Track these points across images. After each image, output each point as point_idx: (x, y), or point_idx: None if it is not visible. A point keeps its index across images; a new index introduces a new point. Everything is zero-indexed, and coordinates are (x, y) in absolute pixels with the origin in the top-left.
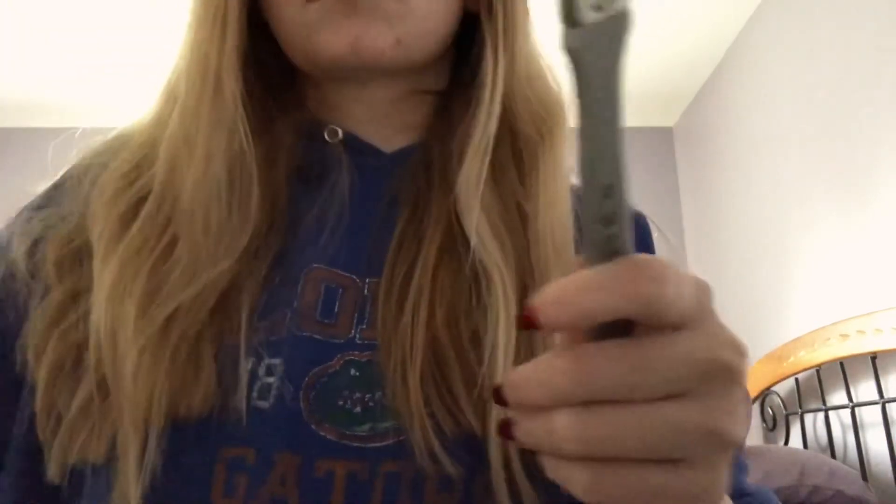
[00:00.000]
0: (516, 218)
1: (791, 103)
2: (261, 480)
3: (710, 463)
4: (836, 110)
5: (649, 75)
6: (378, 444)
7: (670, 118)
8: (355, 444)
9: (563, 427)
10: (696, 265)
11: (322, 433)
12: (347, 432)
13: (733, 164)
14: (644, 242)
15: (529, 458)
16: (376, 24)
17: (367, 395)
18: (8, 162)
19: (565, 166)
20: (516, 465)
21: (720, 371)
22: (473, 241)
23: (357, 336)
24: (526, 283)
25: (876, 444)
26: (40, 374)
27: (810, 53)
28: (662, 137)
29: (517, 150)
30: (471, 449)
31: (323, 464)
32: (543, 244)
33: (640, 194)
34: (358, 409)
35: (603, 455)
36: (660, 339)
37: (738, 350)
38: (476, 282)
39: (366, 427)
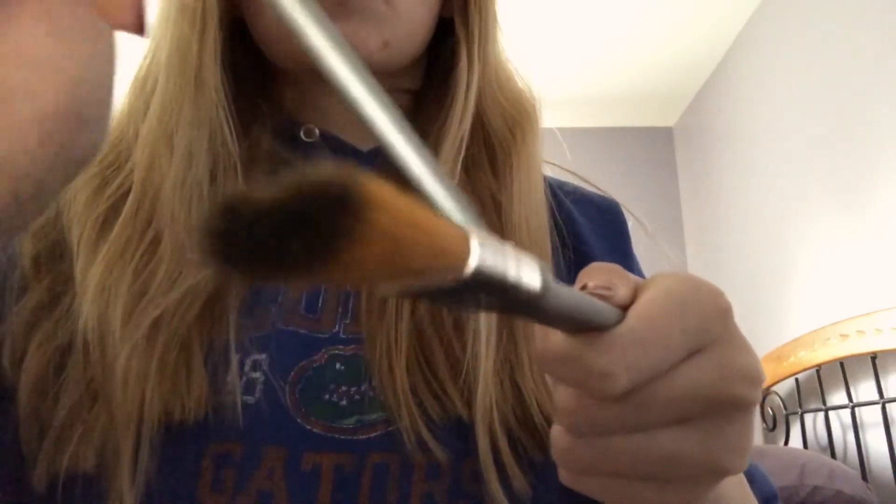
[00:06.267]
0: (491, 210)
1: (791, 103)
2: (248, 475)
3: (699, 485)
4: (835, 110)
5: (649, 75)
6: (365, 436)
7: (670, 118)
8: (342, 437)
9: (556, 449)
10: (697, 265)
11: (308, 426)
12: (334, 425)
13: (733, 164)
14: (617, 230)
15: (517, 442)
16: (366, 26)
17: (353, 388)
18: None
19: (538, 160)
20: (504, 449)
21: (726, 404)
22: None
23: (341, 330)
24: None
25: (876, 444)
26: (22, 382)
27: (810, 53)
28: (662, 137)
29: (490, 147)
30: (459, 434)
31: (310, 457)
32: (518, 233)
33: (640, 194)
34: (344, 402)
35: (596, 474)
36: (661, 378)
37: (750, 379)
38: None
39: (352, 420)
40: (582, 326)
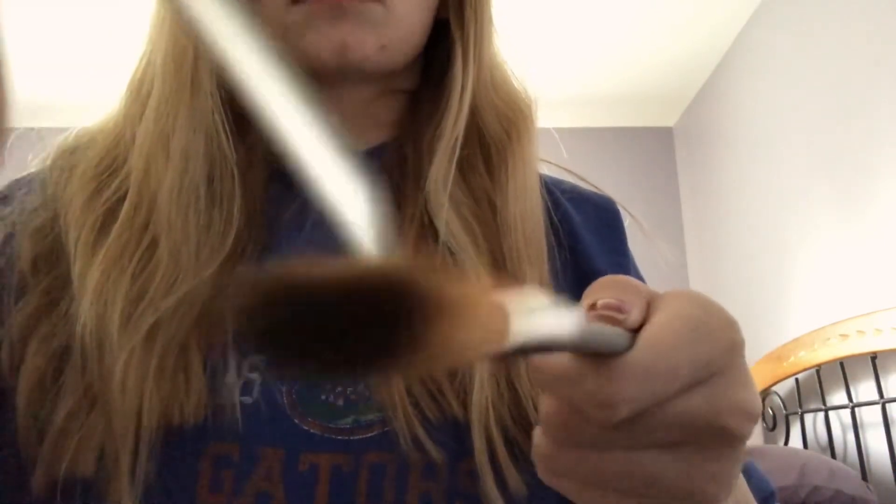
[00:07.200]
0: (487, 210)
1: (791, 103)
2: (246, 475)
3: None
4: (835, 110)
5: (649, 76)
6: (361, 437)
7: (670, 118)
8: (339, 437)
9: (536, 451)
10: (696, 265)
11: (305, 427)
12: (331, 425)
13: (733, 164)
14: (613, 228)
15: (513, 442)
16: (362, 29)
17: (350, 389)
18: (8, 162)
19: (533, 161)
20: (500, 450)
21: (716, 436)
22: (442, 235)
23: None
24: (499, 270)
25: (876, 444)
26: (20, 386)
27: (810, 54)
28: (662, 137)
29: (485, 148)
30: (455, 435)
31: (307, 457)
32: (514, 233)
33: (640, 194)
34: (340, 402)
35: (573, 480)
36: (657, 405)
37: (746, 414)
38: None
39: (349, 420)
40: (589, 352)
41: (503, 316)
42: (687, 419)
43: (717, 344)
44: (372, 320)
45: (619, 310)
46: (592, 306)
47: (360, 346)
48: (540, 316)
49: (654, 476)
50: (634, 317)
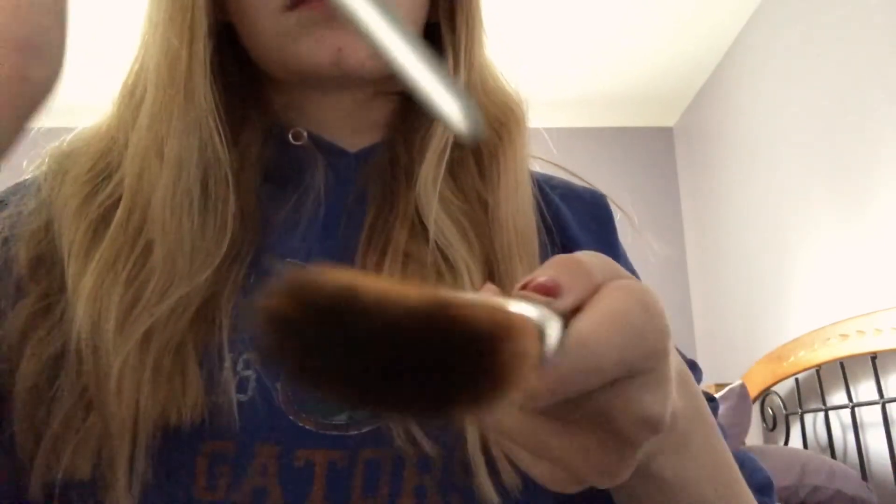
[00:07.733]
0: (479, 209)
1: (791, 103)
2: (242, 472)
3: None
4: (835, 110)
5: (649, 75)
6: (356, 433)
7: (670, 118)
8: (334, 433)
9: None
10: (696, 265)
11: (300, 424)
12: (325, 422)
13: (733, 164)
14: (603, 222)
15: None
16: (356, 35)
17: None
18: (6, 164)
19: (524, 160)
20: (494, 443)
21: (614, 438)
22: (432, 234)
23: None
24: (492, 269)
25: (876, 444)
26: (16, 390)
27: (810, 53)
28: (662, 137)
29: (477, 149)
30: (448, 428)
31: (302, 453)
32: (506, 232)
33: (640, 194)
34: None
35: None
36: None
37: (650, 426)
38: (444, 270)
39: (343, 416)
40: None
41: (536, 334)
42: (591, 411)
43: (644, 349)
44: (442, 361)
45: (548, 292)
46: (525, 284)
47: (432, 386)
48: (551, 323)
49: (540, 446)
50: (566, 303)
